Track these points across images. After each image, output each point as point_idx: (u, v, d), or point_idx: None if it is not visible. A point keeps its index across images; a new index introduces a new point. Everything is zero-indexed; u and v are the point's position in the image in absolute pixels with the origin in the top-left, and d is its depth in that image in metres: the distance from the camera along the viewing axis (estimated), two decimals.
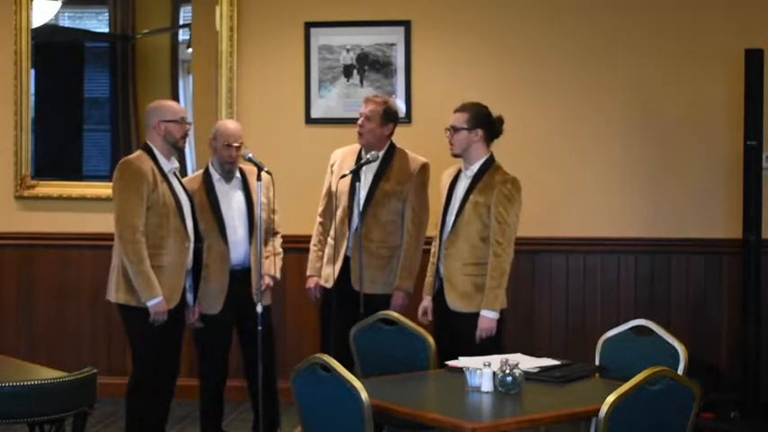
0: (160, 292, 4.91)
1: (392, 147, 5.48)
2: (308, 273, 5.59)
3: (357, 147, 5.50)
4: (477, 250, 5.02)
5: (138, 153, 5.07)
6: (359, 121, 5.41)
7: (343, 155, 5.55)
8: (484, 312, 4.92)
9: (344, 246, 5.37)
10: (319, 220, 5.59)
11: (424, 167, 5.47)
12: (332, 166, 5.56)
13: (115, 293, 5.00)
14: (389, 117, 5.46)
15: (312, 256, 5.58)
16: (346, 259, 5.38)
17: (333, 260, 5.41)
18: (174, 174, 5.10)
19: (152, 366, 5.00)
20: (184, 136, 5.09)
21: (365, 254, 5.30)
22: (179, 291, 5.03)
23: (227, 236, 5.29)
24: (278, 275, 5.45)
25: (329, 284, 5.42)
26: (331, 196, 5.51)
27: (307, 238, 5.67)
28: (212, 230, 5.28)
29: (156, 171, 4.98)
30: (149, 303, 4.89)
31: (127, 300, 4.96)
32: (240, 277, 5.32)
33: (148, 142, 5.07)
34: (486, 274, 4.97)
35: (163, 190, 4.97)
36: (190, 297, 5.15)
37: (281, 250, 5.51)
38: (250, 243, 5.31)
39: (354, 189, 5.27)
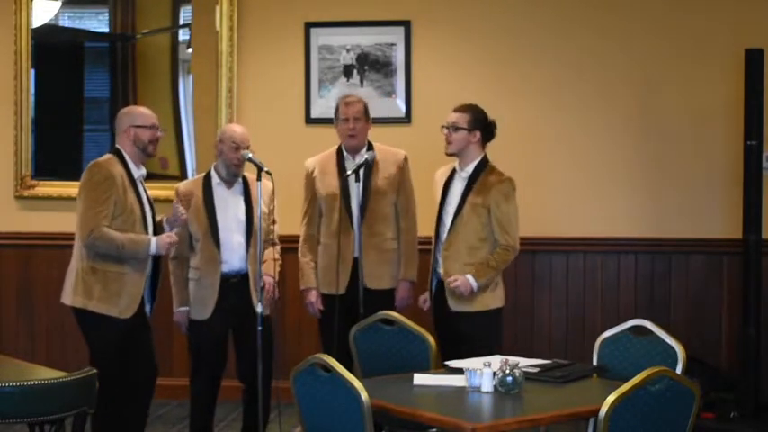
0: (150, 239, 4.87)
1: (369, 143, 5.44)
2: (306, 286, 5.44)
3: (332, 152, 5.45)
4: (476, 251, 5.07)
5: (108, 157, 4.97)
6: (349, 125, 5.35)
7: (321, 162, 5.46)
8: (470, 278, 4.99)
9: (350, 248, 5.28)
10: (308, 231, 5.46)
11: (406, 159, 5.48)
12: (311, 173, 5.46)
13: (72, 296, 4.90)
14: (369, 114, 5.44)
15: (306, 268, 5.44)
16: (354, 261, 5.29)
17: (336, 266, 5.26)
18: (141, 181, 5.01)
19: (111, 368, 4.77)
20: (154, 141, 5.00)
21: (374, 250, 5.29)
22: (138, 299, 4.92)
23: (220, 240, 5.21)
24: (276, 278, 5.34)
25: (341, 291, 5.24)
26: (316, 204, 5.43)
27: None
28: (205, 233, 5.21)
29: (125, 176, 4.90)
30: (152, 246, 4.85)
31: (84, 303, 4.87)
32: (235, 284, 5.22)
33: (118, 147, 4.98)
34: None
35: (130, 196, 4.89)
36: (148, 307, 5.03)
37: (279, 257, 5.42)
38: (247, 251, 5.23)
39: (348, 191, 5.26)
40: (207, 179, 5.32)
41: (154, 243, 4.88)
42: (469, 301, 5.05)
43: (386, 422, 4.27)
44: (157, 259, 5.03)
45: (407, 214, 5.44)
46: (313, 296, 5.43)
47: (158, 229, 5.05)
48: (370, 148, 5.39)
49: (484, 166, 5.14)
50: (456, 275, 5.01)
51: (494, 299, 5.12)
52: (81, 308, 4.89)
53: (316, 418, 3.71)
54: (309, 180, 5.48)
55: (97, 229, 4.79)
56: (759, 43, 6.02)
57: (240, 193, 5.30)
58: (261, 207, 5.09)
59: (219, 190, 5.28)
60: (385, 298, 5.29)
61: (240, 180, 5.31)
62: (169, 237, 4.95)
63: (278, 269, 5.39)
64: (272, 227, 5.36)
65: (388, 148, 5.49)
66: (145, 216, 4.96)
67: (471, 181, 5.11)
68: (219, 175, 5.29)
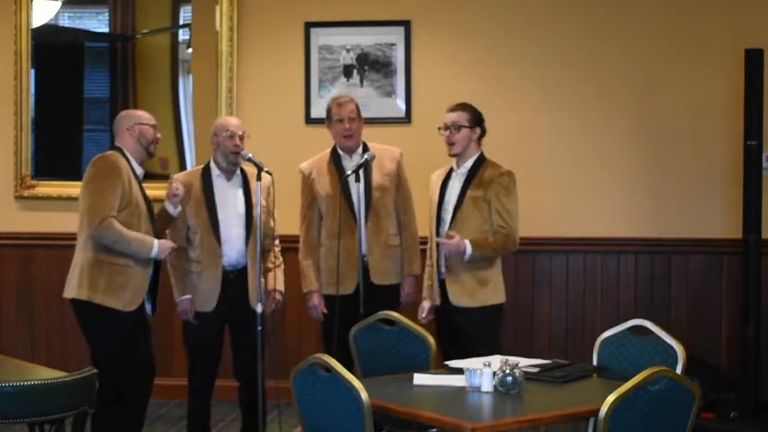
0: (153, 242, 4.88)
1: (364, 143, 5.44)
2: (308, 289, 5.42)
3: (325, 154, 5.46)
4: None
5: (111, 152, 4.99)
6: (344, 125, 5.33)
7: (317, 164, 5.46)
8: (467, 242, 4.96)
9: (357, 246, 5.22)
10: (308, 234, 5.44)
11: (402, 155, 5.49)
12: (309, 176, 5.44)
13: (77, 289, 4.88)
14: (360, 112, 5.45)
15: (308, 272, 5.42)
16: (362, 259, 5.24)
17: (339, 266, 5.23)
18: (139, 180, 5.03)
19: (113, 364, 4.80)
20: (155, 141, 5.03)
21: (379, 247, 5.31)
22: (142, 293, 4.94)
23: (220, 233, 5.21)
24: (283, 289, 5.40)
25: (350, 290, 5.21)
26: (315, 206, 5.43)
27: None
28: (205, 227, 5.21)
29: (130, 171, 4.93)
30: (153, 250, 4.86)
31: (89, 296, 4.85)
32: (234, 278, 5.22)
33: (119, 145, 5.00)
34: (487, 267, 5.07)
35: (135, 190, 4.91)
36: (148, 306, 5.04)
37: (281, 259, 5.44)
38: (247, 245, 5.24)
39: (349, 190, 5.26)
40: (206, 171, 5.31)
41: (156, 247, 4.90)
42: (475, 297, 5.05)
43: (386, 422, 4.27)
44: (158, 261, 5.04)
45: (407, 210, 5.46)
46: (316, 299, 5.42)
47: (159, 222, 5.07)
48: (365, 147, 5.40)
49: (482, 161, 5.15)
50: (453, 233, 5.00)
51: (495, 295, 5.13)
52: (85, 300, 4.88)
53: (316, 418, 3.70)
54: (307, 182, 5.46)
55: (108, 219, 4.80)
56: (759, 43, 6.02)
57: (239, 185, 5.30)
58: (260, 207, 5.06)
59: (219, 182, 5.28)
60: (391, 293, 5.32)
61: (239, 172, 5.32)
62: (172, 243, 4.98)
63: (282, 276, 5.41)
64: (271, 222, 5.36)
65: (382, 146, 5.49)
66: (149, 211, 4.99)
67: (470, 176, 5.12)
68: (219, 166, 5.28)
